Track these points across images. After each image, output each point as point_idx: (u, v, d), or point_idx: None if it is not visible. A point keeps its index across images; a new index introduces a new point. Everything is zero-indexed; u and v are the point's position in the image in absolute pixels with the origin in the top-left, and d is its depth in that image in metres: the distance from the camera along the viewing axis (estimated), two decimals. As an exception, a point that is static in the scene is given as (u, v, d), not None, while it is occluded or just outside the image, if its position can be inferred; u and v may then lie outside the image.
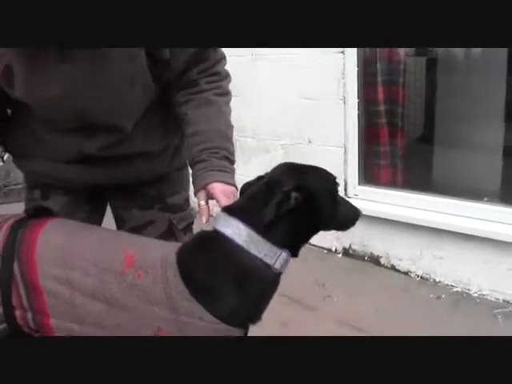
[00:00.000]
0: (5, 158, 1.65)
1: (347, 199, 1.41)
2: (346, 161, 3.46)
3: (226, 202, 1.31)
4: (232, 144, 1.45)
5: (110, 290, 1.31)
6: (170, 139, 1.59)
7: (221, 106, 1.48)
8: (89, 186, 1.58)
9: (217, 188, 1.34)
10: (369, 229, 3.37)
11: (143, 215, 1.44)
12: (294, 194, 1.19)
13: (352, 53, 3.30)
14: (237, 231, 1.23)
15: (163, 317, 1.25)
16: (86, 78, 1.36)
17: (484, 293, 2.98)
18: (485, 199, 3.00)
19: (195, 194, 1.39)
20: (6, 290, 1.37)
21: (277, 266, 1.23)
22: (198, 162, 1.40)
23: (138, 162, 1.54)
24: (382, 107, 3.45)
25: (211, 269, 1.25)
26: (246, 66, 3.74)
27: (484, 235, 2.86)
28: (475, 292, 3.01)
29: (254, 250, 1.22)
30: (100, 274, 1.34)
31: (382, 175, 3.55)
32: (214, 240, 1.25)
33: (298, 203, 1.20)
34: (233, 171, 1.39)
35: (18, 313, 1.38)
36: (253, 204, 1.25)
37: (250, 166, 3.79)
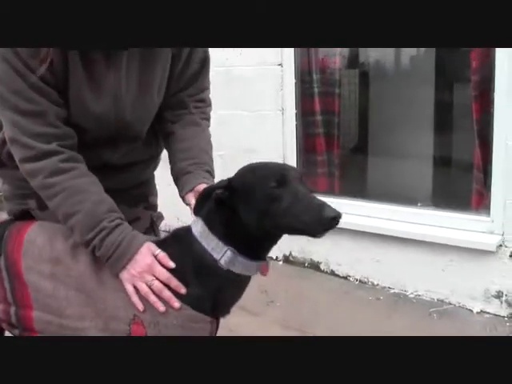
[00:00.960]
0: None
1: (327, 202, 1.28)
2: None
3: None
4: (212, 161, 1.61)
5: (89, 281, 1.39)
6: (160, 148, 1.72)
7: (204, 128, 1.65)
8: None
9: (202, 187, 1.44)
10: (308, 236, 3.46)
11: (131, 212, 1.50)
12: (217, 191, 1.31)
13: (290, 65, 3.41)
14: (197, 227, 1.35)
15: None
16: (132, 88, 1.48)
17: (420, 293, 3.13)
18: (419, 204, 3.16)
19: (183, 198, 1.51)
20: None
21: (222, 261, 1.30)
22: (186, 173, 1.54)
23: (138, 167, 1.67)
24: (318, 117, 3.57)
25: (179, 259, 1.36)
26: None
27: (418, 238, 3.01)
28: (412, 293, 3.16)
29: (204, 243, 1.33)
30: (81, 267, 1.41)
31: (319, 183, 3.66)
32: (186, 234, 1.37)
33: (219, 199, 1.31)
34: (210, 180, 1.52)
35: (1, 307, 1.44)
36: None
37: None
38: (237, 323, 2.93)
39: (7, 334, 1.53)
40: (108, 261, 1.39)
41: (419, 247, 3.03)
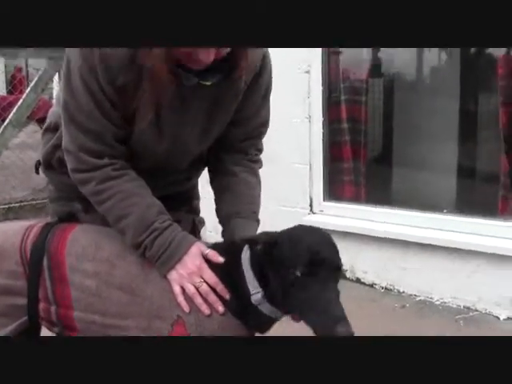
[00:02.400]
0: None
1: (345, 317, 1.19)
2: (311, 178, 3.58)
3: None
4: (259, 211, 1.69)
5: (135, 280, 1.43)
6: (204, 164, 1.78)
7: (258, 180, 1.70)
8: None
9: None
10: (334, 243, 3.47)
11: (172, 214, 1.51)
12: (258, 246, 1.34)
13: (317, 73, 3.45)
14: (245, 255, 1.40)
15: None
16: (194, 134, 1.55)
17: (446, 300, 3.12)
18: (444, 211, 3.16)
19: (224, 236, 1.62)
20: (34, 283, 1.46)
21: (252, 299, 1.35)
22: (239, 217, 1.60)
23: (182, 179, 1.73)
24: (345, 125, 3.60)
25: (224, 269, 1.41)
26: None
27: (444, 244, 3.01)
28: (438, 300, 3.15)
29: (245, 272, 1.37)
30: (127, 267, 1.45)
31: (345, 191, 3.68)
32: (236, 253, 1.41)
33: (257, 253, 1.35)
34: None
35: (41, 305, 1.48)
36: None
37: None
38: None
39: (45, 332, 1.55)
40: (158, 261, 1.43)
41: (445, 254, 3.03)
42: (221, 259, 1.42)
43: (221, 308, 1.36)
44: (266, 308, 1.36)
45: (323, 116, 3.51)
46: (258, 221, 1.63)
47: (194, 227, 1.76)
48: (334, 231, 3.30)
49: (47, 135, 1.64)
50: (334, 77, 3.61)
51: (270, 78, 1.63)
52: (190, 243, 1.46)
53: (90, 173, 1.46)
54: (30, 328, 1.49)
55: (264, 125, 1.70)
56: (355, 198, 3.66)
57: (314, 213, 3.56)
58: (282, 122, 3.60)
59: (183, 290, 1.40)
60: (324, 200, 3.58)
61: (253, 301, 1.35)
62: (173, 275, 1.42)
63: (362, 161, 3.70)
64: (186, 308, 1.38)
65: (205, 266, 1.42)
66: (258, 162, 1.73)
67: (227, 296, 1.38)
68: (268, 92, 1.65)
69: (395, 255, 3.28)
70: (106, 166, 1.46)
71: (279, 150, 3.65)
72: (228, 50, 1.35)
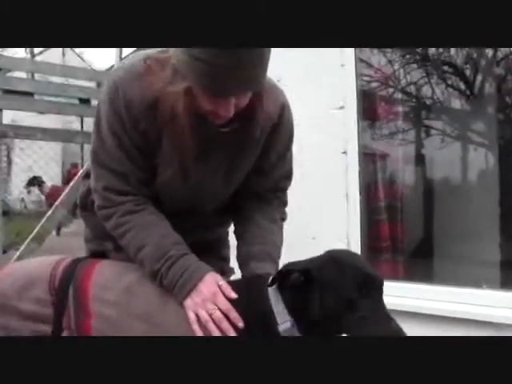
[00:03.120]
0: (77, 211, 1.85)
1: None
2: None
3: None
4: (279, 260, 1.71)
5: (154, 309, 1.48)
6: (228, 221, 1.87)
7: (280, 227, 1.78)
8: None
9: None
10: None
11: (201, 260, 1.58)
12: (295, 274, 1.38)
13: (354, 153, 3.56)
14: (272, 285, 1.43)
15: None
16: (217, 181, 1.65)
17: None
18: (484, 286, 3.10)
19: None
20: (60, 311, 1.52)
21: (280, 329, 1.37)
22: (259, 260, 1.64)
23: (210, 228, 1.80)
24: (382, 203, 3.65)
25: (244, 303, 1.45)
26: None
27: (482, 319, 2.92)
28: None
29: (273, 303, 1.41)
30: (147, 295, 1.51)
31: (384, 268, 3.67)
32: (260, 286, 1.45)
33: (294, 282, 1.38)
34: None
35: (65, 334, 1.53)
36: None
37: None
38: None
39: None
40: (174, 289, 1.48)
41: (484, 329, 2.94)
42: (233, 294, 1.46)
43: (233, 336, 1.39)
44: (289, 332, 1.37)
45: (360, 194, 3.57)
46: (275, 263, 1.64)
47: (223, 275, 1.77)
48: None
49: (84, 180, 1.77)
50: (370, 157, 3.70)
51: (291, 128, 1.70)
52: (204, 271, 1.50)
53: (112, 208, 1.55)
54: None
55: (287, 177, 1.77)
56: (394, 276, 3.63)
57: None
58: (319, 201, 3.70)
59: (198, 317, 1.43)
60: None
61: (280, 330, 1.36)
62: (188, 302, 1.46)
63: (400, 239, 3.70)
64: (200, 335, 1.41)
65: (219, 293, 1.45)
66: (281, 213, 1.78)
67: (240, 324, 1.40)
68: (289, 143, 1.72)
69: (437, 331, 3.19)
70: (127, 201, 1.55)
71: (317, 228, 3.72)
72: (246, 102, 1.44)
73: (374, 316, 1.26)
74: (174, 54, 1.41)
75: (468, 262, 3.45)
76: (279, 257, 1.69)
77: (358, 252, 3.55)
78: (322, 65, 3.64)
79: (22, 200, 11.07)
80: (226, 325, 1.41)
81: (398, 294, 3.36)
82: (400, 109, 3.84)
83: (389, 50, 3.78)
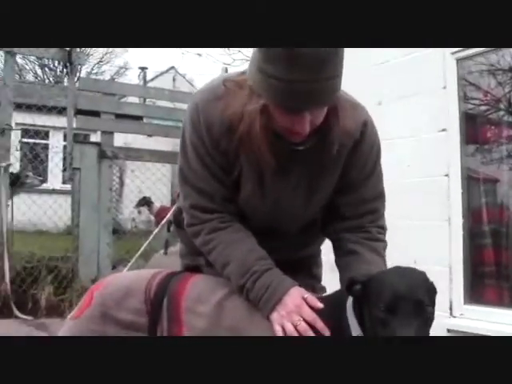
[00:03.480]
0: (171, 228, 1.96)
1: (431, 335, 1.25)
2: (451, 280, 3.50)
3: None
4: None
5: (241, 322, 1.52)
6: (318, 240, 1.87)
7: (384, 259, 1.70)
8: None
9: None
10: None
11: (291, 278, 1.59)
12: (356, 286, 1.38)
13: (456, 176, 3.50)
14: (349, 302, 1.45)
15: None
16: (297, 201, 1.65)
17: None
18: None
19: None
20: (154, 321, 1.59)
21: None
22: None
23: (300, 248, 1.80)
24: (486, 227, 3.55)
25: (329, 315, 1.46)
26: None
27: None
28: None
29: (349, 317, 1.42)
30: (235, 309, 1.55)
31: (488, 294, 3.55)
32: (341, 303, 1.46)
33: (355, 294, 1.39)
34: None
35: None
36: None
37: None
38: None
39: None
40: (259, 303, 1.50)
41: None
42: (319, 305, 1.46)
43: None
44: None
45: (463, 218, 3.50)
46: None
47: (313, 292, 1.77)
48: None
49: (178, 200, 1.82)
50: (474, 179, 3.63)
51: (375, 145, 1.67)
52: (289, 285, 1.51)
53: (200, 225, 1.61)
54: None
55: (378, 198, 1.71)
56: (499, 302, 3.50)
57: (453, 316, 3.46)
58: (421, 224, 3.65)
59: (284, 329, 1.45)
60: (464, 303, 3.46)
61: None
62: (274, 316, 1.48)
63: (505, 264, 3.57)
64: None
65: (304, 305, 1.46)
66: (382, 241, 1.71)
67: (327, 333, 1.41)
68: (376, 161, 1.68)
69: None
70: (214, 219, 1.60)
71: (419, 252, 3.66)
72: (322, 119, 1.44)
73: (396, 335, 1.23)
74: (249, 74, 1.43)
75: None
76: None
77: (460, 276, 3.48)
78: (422, 87, 3.63)
79: (133, 220, 11.57)
80: (311, 335, 1.42)
81: (503, 321, 3.25)
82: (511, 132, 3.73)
83: (500, 71, 3.69)
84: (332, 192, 1.68)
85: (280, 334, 1.45)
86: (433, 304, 1.34)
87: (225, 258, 1.58)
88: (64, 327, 1.65)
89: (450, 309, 3.49)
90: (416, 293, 1.29)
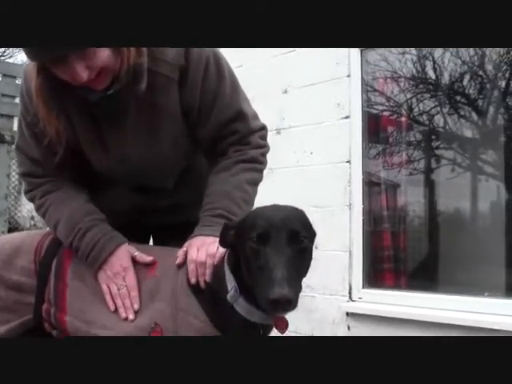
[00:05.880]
0: None
1: (283, 280, 1.13)
2: (351, 264, 3.58)
3: (193, 252, 1.44)
4: (236, 203, 1.54)
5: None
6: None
7: (235, 172, 1.59)
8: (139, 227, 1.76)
9: (193, 242, 1.48)
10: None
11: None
12: (230, 232, 1.34)
13: (358, 163, 3.58)
14: (227, 255, 1.41)
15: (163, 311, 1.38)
16: (139, 147, 1.58)
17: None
18: (485, 294, 3.08)
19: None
20: (42, 282, 1.52)
21: (228, 296, 1.33)
22: (198, 221, 1.56)
23: (188, 208, 1.69)
24: (384, 213, 3.66)
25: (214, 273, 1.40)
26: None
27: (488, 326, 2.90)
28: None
29: (226, 272, 1.37)
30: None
31: (386, 278, 3.65)
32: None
33: (228, 243, 1.35)
34: (221, 225, 1.42)
35: (44, 306, 1.52)
36: None
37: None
38: None
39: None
40: (87, 261, 1.50)
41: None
42: (149, 258, 1.46)
43: (131, 316, 1.40)
44: (242, 307, 1.32)
45: (363, 204, 3.59)
46: (220, 215, 1.51)
47: None
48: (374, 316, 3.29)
49: None
50: (373, 166, 3.74)
51: (209, 65, 1.54)
52: (116, 244, 1.50)
53: (34, 191, 1.61)
54: (32, 328, 1.52)
55: (234, 119, 1.59)
56: (396, 286, 3.62)
57: (352, 300, 3.52)
58: (323, 210, 3.70)
59: (110, 290, 1.45)
60: (363, 287, 3.54)
61: (229, 298, 1.32)
62: (101, 275, 1.48)
63: (402, 247, 3.69)
64: (112, 307, 1.43)
65: (130, 269, 1.46)
66: (239, 156, 1.60)
67: (136, 306, 1.41)
68: (214, 83, 1.56)
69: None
70: (46, 183, 1.60)
71: (320, 237, 3.69)
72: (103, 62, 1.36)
73: (268, 264, 1.17)
74: None
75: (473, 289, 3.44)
76: (233, 202, 1.54)
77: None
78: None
79: (32, 218, 11.07)
80: (127, 302, 1.42)
81: (399, 303, 3.34)
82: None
83: (402, 78, 3.84)
84: (192, 135, 1.62)
85: (106, 292, 1.45)
86: (310, 238, 1.30)
87: (55, 218, 1.56)
88: None
89: (349, 293, 3.56)
90: (290, 223, 1.25)
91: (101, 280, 1.48)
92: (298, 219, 1.29)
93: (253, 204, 1.60)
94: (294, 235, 1.22)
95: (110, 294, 1.45)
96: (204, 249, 1.42)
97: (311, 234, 1.30)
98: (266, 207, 1.32)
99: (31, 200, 1.64)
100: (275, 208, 1.30)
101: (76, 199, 1.59)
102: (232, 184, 1.57)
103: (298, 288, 1.20)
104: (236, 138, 1.61)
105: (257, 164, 1.64)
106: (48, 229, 1.64)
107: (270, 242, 1.20)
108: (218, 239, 1.37)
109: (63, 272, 1.52)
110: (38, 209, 1.61)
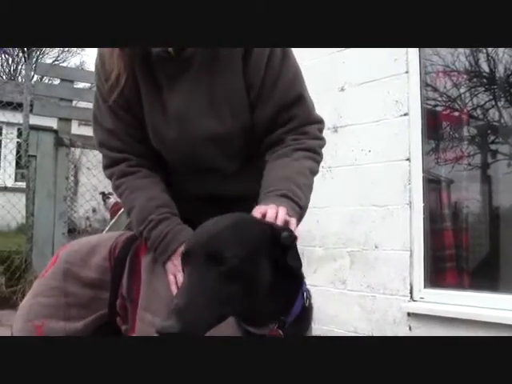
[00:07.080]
0: None
1: (175, 310, 1.01)
2: (411, 264, 3.53)
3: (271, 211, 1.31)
4: (299, 187, 1.47)
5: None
6: None
7: (295, 158, 1.54)
8: None
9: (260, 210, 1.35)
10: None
11: None
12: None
13: (418, 160, 3.53)
14: None
15: None
16: (196, 109, 1.57)
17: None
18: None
19: None
20: (117, 278, 1.56)
21: None
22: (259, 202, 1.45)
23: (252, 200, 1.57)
24: (446, 211, 3.59)
25: None
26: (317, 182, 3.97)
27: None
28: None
29: None
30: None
31: (447, 277, 3.58)
32: None
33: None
34: (288, 204, 1.38)
35: (118, 301, 1.55)
36: None
37: (318, 275, 3.94)
38: None
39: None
40: (156, 252, 1.53)
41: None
42: None
43: None
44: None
45: (424, 201, 3.52)
46: (284, 195, 1.42)
47: None
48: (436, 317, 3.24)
49: None
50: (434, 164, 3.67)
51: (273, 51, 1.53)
52: (185, 237, 1.49)
53: (111, 168, 1.64)
54: (104, 323, 1.55)
55: (294, 103, 1.56)
56: (458, 285, 3.54)
57: (414, 300, 3.47)
58: (382, 209, 3.67)
59: (176, 280, 1.47)
60: (425, 287, 3.48)
61: None
62: (168, 265, 1.51)
63: (465, 246, 3.62)
64: None
65: None
66: (297, 144, 1.56)
67: None
68: (279, 64, 1.54)
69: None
70: (123, 160, 1.63)
71: (380, 236, 3.68)
72: None
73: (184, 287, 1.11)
74: None
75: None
76: (296, 186, 1.47)
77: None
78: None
79: (87, 219, 11.41)
80: None
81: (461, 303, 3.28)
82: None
83: (455, 72, 3.76)
84: (250, 117, 1.59)
85: (172, 283, 1.47)
86: (249, 256, 1.13)
87: (130, 204, 1.61)
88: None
89: (411, 292, 3.51)
90: (211, 242, 1.13)
91: (168, 270, 1.50)
92: (228, 236, 1.15)
93: (311, 193, 1.55)
94: (213, 256, 1.10)
95: (176, 284, 1.46)
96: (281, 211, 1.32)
97: (251, 251, 1.14)
98: (207, 222, 1.22)
99: (110, 177, 1.66)
100: (208, 224, 1.20)
101: (152, 187, 1.61)
102: (295, 169, 1.52)
103: (203, 317, 1.05)
104: (294, 124, 1.58)
105: (315, 154, 1.60)
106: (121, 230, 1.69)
107: (188, 263, 1.13)
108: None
109: (137, 267, 1.56)
110: (115, 189, 1.65)
